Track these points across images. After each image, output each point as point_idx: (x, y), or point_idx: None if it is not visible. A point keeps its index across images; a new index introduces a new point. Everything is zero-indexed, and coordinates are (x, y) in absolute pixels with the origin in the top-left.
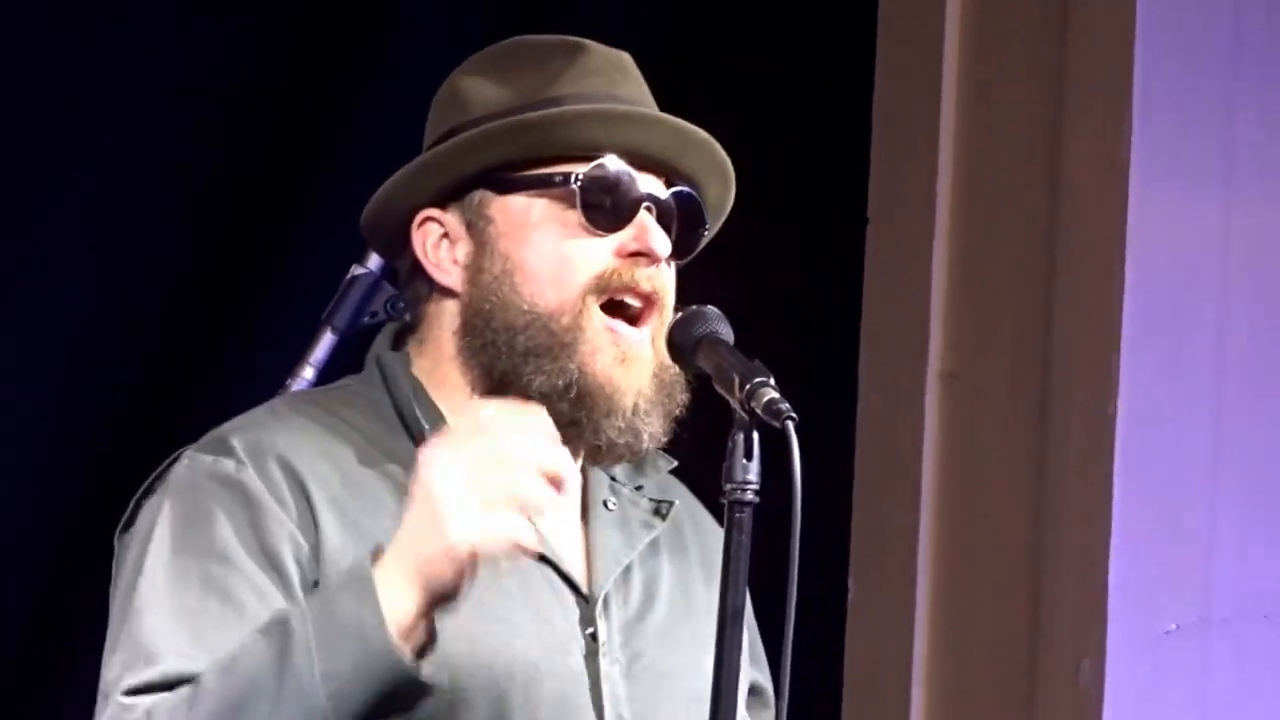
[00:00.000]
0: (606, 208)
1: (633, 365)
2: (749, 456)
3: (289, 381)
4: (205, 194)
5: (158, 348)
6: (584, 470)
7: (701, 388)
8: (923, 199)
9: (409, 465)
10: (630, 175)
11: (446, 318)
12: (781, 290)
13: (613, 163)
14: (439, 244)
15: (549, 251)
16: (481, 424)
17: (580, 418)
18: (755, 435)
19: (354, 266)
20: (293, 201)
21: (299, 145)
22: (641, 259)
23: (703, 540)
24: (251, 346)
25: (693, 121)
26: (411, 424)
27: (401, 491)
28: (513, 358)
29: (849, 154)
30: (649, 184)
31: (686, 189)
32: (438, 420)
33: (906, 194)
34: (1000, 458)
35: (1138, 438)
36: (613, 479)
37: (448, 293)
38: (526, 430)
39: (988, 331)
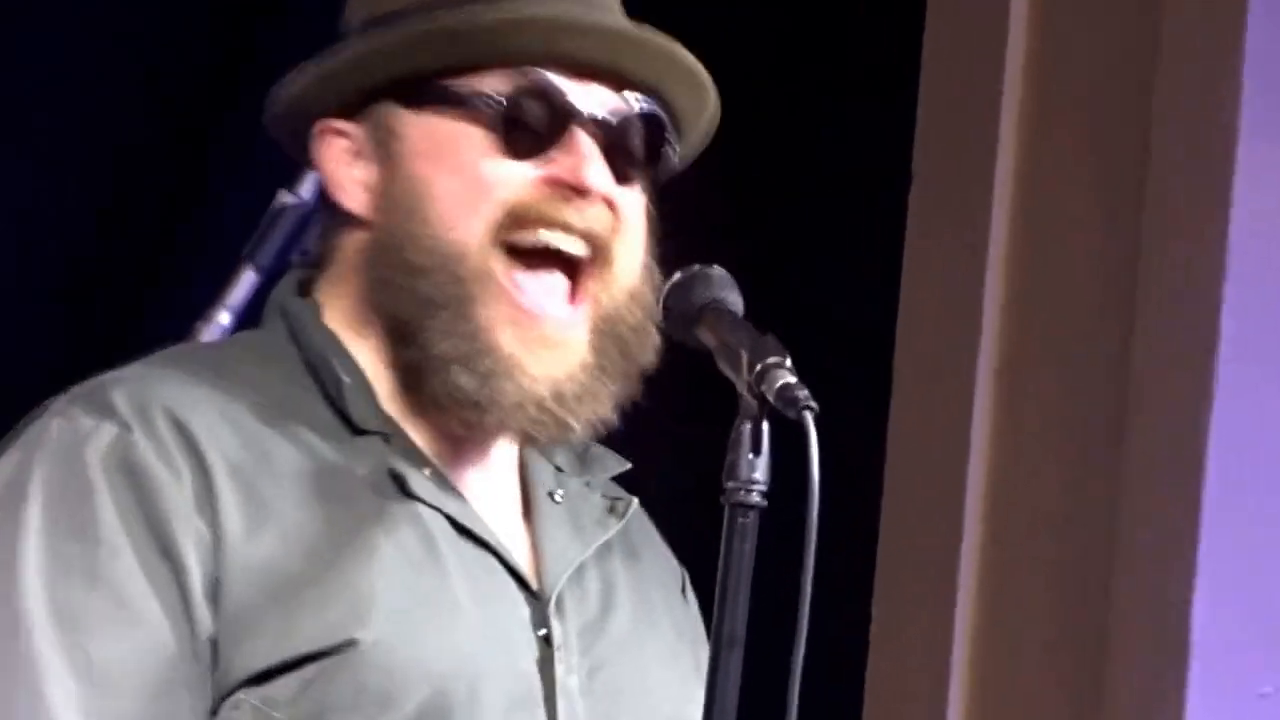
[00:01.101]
0: (533, 128)
1: (548, 351)
2: (756, 451)
3: (198, 325)
4: (114, 116)
5: (52, 284)
6: (521, 455)
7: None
8: (980, 151)
9: (326, 434)
10: (560, 90)
11: (354, 250)
12: (805, 254)
13: (539, 76)
14: (345, 161)
15: (464, 175)
16: None
17: (484, 398)
18: (765, 426)
19: (280, 193)
20: (210, 121)
21: (219, 65)
22: (569, 191)
23: (656, 554)
24: (156, 284)
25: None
26: (328, 382)
27: (317, 465)
28: (415, 306)
29: (894, 95)
30: (592, 99)
31: (642, 102)
32: (360, 379)
33: (961, 145)
34: (1062, 475)
35: (1234, 459)
36: (558, 469)
37: (356, 220)
38: None
39: (1052, 320)
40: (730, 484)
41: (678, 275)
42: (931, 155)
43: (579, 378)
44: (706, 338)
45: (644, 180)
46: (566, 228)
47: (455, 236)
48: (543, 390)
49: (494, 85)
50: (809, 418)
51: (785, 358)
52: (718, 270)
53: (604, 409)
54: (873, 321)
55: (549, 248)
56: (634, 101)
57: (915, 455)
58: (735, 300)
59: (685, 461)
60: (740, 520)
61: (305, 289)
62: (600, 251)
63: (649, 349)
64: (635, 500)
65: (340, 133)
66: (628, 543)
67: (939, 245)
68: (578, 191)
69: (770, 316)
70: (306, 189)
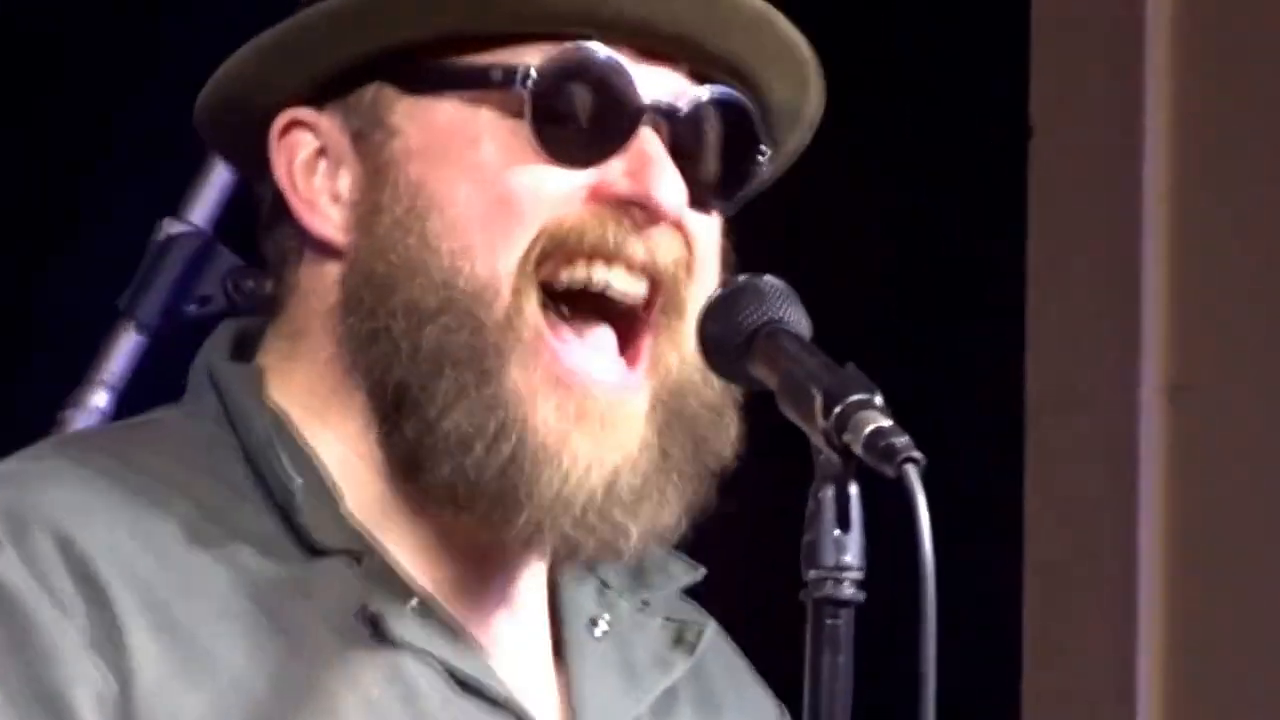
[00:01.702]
0: (579, 123)
1: (601, 429)
2: (844, 525)
3: (64, 413)
4: None
5: None
6: (551, 572)
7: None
8: (1125, 100)
9: (273, 555)
10: (622, 70)
11: (322, 290)
12: (897, 255)
13: (590, 49)
14: (313, 166)
15: (487, 184)
16: None
17: (511, 491)
18: (854, 489)
19: (166, 221)
20: (89, 142)
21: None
22: (633, 210)
23: (744, 700)
24: (14, 354)
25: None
26: (274, 484)
27: (261, 598)
28: (416, 363)
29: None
30: (658, 84)
31: (725, 89)
32: (317, 478)
33: (1095, 93)
34: (1262, 521)
35: None
36: (603, 583)
37: (325, 248)
38: None
39: (1236, 325)
40: (812, 574)
41: (716, 291)
42: (1053, 97)
43: (639, 466)
44: (762, 373)
45: (724, 200)
46: (625, 262)
47: (477, 269)
48: (593, 481)
49: (527, 60)
50: (912, 472)
51: (873, 394)
52: (771, 280)
53: (668, 514)
54: (994, 340)
55: (599, 290)
56: (715, 91)
57: (1063, 508)
58: (798, 319)
59: (746, 542)
60: (828, 622)
61: (246, 348)
62: (667, 296)
63: (727, 440)
64: (711, 625)
65: (305, 126)
66: (702, 686)
67: (1074, 228)
68: (643, 211)
69: (852, 342)
70: (200, 213)
